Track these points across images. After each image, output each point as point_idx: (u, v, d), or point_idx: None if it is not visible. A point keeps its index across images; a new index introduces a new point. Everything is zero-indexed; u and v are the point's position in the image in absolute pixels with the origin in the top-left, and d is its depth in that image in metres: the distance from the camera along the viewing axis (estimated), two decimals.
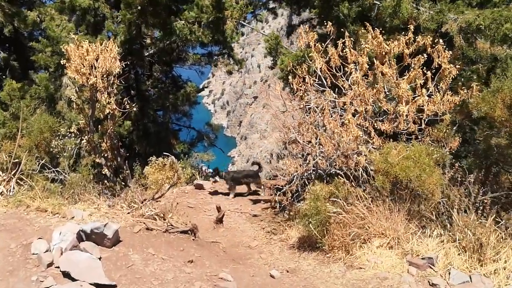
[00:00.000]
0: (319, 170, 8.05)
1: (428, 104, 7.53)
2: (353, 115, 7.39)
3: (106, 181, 10.36)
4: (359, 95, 7.36)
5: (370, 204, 6.89)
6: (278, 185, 9.37)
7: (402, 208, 6.75)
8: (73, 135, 10.20)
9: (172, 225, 7.65)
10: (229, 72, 18.79)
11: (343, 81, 8.04)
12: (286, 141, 8.46)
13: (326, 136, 7.58)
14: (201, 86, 20.86)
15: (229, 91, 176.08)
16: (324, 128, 8.10)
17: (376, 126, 7.39)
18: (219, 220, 10.20)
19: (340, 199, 7.16)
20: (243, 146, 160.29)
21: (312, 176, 8.14)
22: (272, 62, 11.63)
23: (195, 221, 10.99)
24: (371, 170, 7.25)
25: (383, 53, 7.41)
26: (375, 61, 7.43)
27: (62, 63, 8.86)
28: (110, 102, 9.17)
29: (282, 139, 8.57)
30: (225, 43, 15.09)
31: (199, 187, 14.00)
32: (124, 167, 10.33)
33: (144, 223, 8.06)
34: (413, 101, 7.52)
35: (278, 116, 8.61)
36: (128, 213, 8.59)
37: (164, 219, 8.63)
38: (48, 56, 11.82)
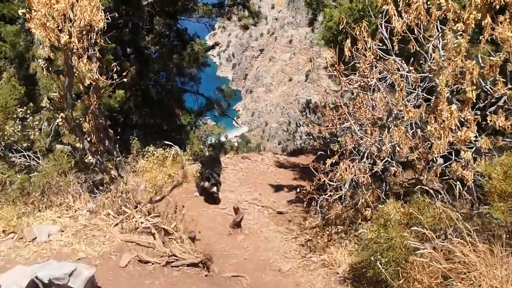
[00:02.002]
0: (388, 180, 5.65)
1: None
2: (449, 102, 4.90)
3: (91, 172, 8.02)
4: (455, 69, 4.82)
5: (476, 241, 4.51)
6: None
7: None
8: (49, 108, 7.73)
9: (175, 256, 5.33)
10: (245, 27, 15.79)
11: (427, 48, 5.48)
12: (332, 130, 6.00)
13: (400, 131, 5.12)
14: (207, 39, 17.84)
15: (235, 43, 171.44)
16: (396, 116, 5.64)
17: (480, 120, 4.88)
18: (237, 224, 7.89)
19: (426, 229, 4.77)
20: (248, 99, 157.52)
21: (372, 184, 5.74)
22: (311, 17, 8.80)
23: (205, 221, 8.76)
24: (475, 186, 4.83)
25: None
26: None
27: (22, 14, 6.30)
28: (92, 69, 6.69)
29: (325, 128, 6.10)
30: None
31: None
32: (114, 152, 7.92)
33: (137, 243, 5.77)
34: None
35: (325, 97, 6.12)
36: (116, 224, 6.28)
37: (167, 233, 6.35)
38: (14, 3, 9.10)
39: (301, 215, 8.55)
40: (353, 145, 5.71)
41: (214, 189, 8.58)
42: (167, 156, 6.49)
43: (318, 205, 6.25)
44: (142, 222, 6.38)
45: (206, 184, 8.40)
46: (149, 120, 11.69)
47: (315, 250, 6.75)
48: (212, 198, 8.83)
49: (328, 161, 5.88)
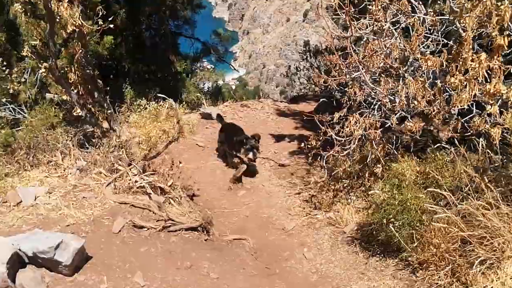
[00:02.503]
0: (403, 137, 5.18)
1: None
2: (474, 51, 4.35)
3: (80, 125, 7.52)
4: (483, 11, 4.23)
5: (501, 205, 4.11)
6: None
7: None
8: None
9: (172, 220, 4.95)
10: None
11: None
12: (341, 81, 5.47)
13: (418, 82, 4.59)
14: None
15: None
16: (412, 65, 5.10)
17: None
18: (237, 179, 7.52)
19: (445, 190, 4.37)
20: (245, 41, 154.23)
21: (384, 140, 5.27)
22: None
23: (204, 175, 8.37)
24: (501, 144, 4.37)
25: None
26: None
27: None
28: (74, 14, 6.04)
29: (333, 79, 5.56)
30: None
31: (207, 116, 11.16)
32: (105, 104, 7.38)
33: (131, 205, 5.39)
34: None
35: (332, 43, 5.54)
36: (109, 184, 5.87)
37: (163, 192, 5.97)
38: None
39: (304, 167, 8.16)
40: (363, 97, 5.19)
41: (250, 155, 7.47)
42: (161, 110, 5.96)
43: (324, 161, 5.79)
44: (136, 181, 5.97)
45: (250, 155, 7.45)
46: (142, 67, 11.01)
47: (320, 207, 6.39)
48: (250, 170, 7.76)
49: (336, 115, 5.38)
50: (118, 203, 5.37)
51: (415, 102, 4.58)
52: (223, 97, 13.25)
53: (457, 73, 4.15)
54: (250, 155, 7.47)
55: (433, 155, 4.67)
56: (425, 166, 4.67)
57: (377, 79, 5.19)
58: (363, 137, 5.16)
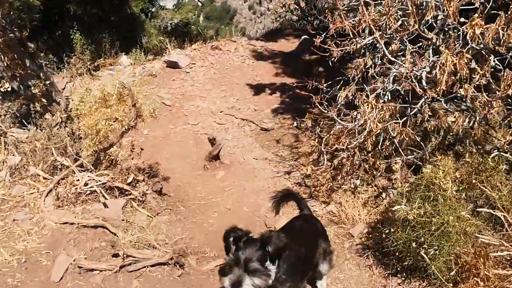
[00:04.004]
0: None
1: None
2: None
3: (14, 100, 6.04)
4: None
5: None
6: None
7: None
8: None
9: (133, 257, 3.71)
10: None
11: None
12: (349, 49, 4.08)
13: (461, 56, 3.30)
14: None
15: None
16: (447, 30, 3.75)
17: None
18: (214, 157, 6.26)
19: (500, 209, 3.25)
20: None
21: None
22: None
23: (174, 147, 7.04)
24: None
25: None
26: None
27: None
28: None
29: (338, 50, 4.17)
30: None
31: (173, 65, 9.62)
32: (41, 73, 5.84)
33: (79, 226, 4.12)
34: None
35: None
36: (50, 191, 4.57)
37: (122, 193, 4.73)
38: None
39: (291, 132, 6.94)
40: (380, 71, 3.87)
41: None
42: (111, 91, 4.50)
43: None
44: (86, 184, 4.67)
45: None
46: (92, 9, 9.17)
47: (317, 196, 5.25)
48: None
49: (342, 93, 4.07)
50: (61, 224, 4.10)
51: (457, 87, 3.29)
52: (191, 36, 11.55)
53: None
54: None
55: (479, 158, 3.47)
56: (466, 170, 3.48)
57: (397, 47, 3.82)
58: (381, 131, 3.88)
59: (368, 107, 3.64)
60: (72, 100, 5.70)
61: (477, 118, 3.60)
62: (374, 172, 4.86)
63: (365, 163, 5.02)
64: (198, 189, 5.85)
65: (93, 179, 4.70)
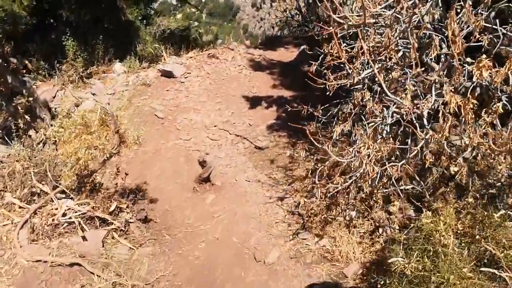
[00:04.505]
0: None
1: None
2: None
3: None
4: None
5: None
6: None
7: None
8: None
9: None
10: None
11: None
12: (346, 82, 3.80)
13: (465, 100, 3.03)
14: None
15: None
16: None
17: None
18: (204, 180, 6.00)
19: (504, 269, 2.98)
20: None
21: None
22: None
23: (163, 164, 6.75)
24: None
25: None
26: None
27: None
28: None
29: (334, 84, 3.89)
30: None
31: (168, 74, 9.33)
32: (24, 90, 5.57)
33: (52, 264, 3.86)
34: None
35: None
36: (25, 223, 4.30)
37: (104, 223, 4.48)
38: None
39: (286, 153, 6.64)
40: (378, 109, 3.59)
41: None
42: (92, 117, 4.21)
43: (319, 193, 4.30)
44: (64, 214, 4.40)
45: None
46: (84, 16, 8.83)
47: (311, 228, 4.97)
48: None
49: (337, 128, 3.80)
50: (34, 262, 3.83)
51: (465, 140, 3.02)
52: (188, 42, 11.23)
53: None
54: None
55: (484, 210, 3.18)
56: (468, 222, 3.20)
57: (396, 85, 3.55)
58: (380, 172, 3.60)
59: (364, 148, 3.35)
60: (52, 126, 5.40)
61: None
62: (371, 203, 4.59)
63: (362, 192, 4.76)
64: (187, 214, 5.58)
65: (73, 209, 4.42)
